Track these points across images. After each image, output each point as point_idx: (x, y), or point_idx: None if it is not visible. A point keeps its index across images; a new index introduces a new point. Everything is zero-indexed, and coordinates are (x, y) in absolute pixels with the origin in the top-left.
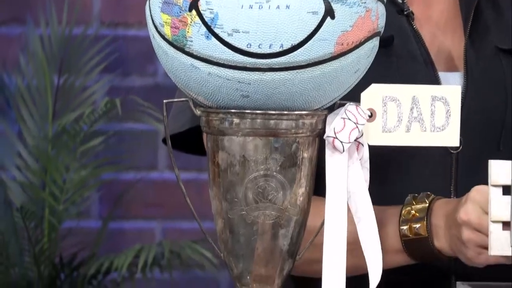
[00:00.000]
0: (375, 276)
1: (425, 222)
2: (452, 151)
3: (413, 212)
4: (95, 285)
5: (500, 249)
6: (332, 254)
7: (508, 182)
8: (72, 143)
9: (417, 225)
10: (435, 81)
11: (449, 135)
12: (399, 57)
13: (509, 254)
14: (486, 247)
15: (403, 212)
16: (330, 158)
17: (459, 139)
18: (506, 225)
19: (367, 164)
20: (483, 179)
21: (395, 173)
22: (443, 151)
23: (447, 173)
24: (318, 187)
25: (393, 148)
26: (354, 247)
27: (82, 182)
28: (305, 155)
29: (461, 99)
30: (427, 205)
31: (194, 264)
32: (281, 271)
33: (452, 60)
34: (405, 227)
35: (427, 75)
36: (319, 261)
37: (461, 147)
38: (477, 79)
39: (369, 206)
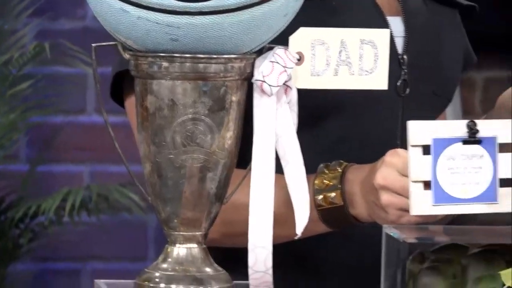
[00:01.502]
0: (302, 220)
1: (339, 190)
2: (400, 95)
3: (326, 181)
4: (22, 229)
5: (421, 209)
6: (259, 197)
7: (427, 142)
8: (1, 87)
9: (332, 194)
10: (385, 25)
11: (377, 78)
12: (352, 2)
13: (430, 213)
14: (406, 210)
15: (316, 182)
16: (259, 102)
17: (387, 83)
18: (426, 185)
19: (295, 108)
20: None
21: (342, 117)
22: (392, 95)
23: (395, 116)
24: (246, 131)
25: (345, 91)
26: (278, 218)
27: (11, 125)
28: (234, 98)
29: (405, 44)
30: (340, 173)
31: (122, 207)
32: (208, 214)
33: (390, 5)
34: (319, 197)
35: (378, 19)
36: (246, 235)
37: (408, 90)
38: (414, 24)
39: (297, 149)
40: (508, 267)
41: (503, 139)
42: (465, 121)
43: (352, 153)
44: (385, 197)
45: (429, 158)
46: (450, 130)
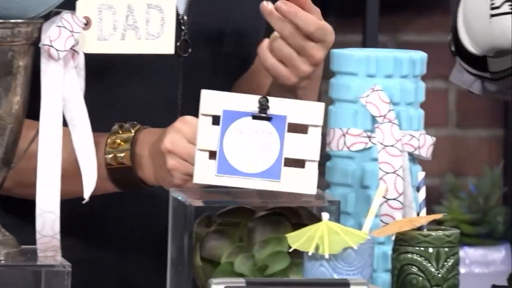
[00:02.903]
0: (88, 185)
1: (129, 151)
2: (181, 55)
3: (118, 141)
4: None
5: (204, 178)
6: (46, 164)
7: (217, 113)
8: None
9: (121, 155)
10: None
11: (163, 43)
12: None
13: (212, 183)
14: (191, 175)
15: (108, 141)
16: (46, 67)
17: (173, 47)
18: (212, 154)
19: (82, 72)
20: (209, 84)
21: (125, 78)
22: (172, 55)
23: (175, 77)
24: (33, 96)
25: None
26: (70, 174)
27: None
28: (21, 63)
29: (187, 4)
30: (132, 134)
31: None
32: None
33: None
34: (109, 156)
35: None
36: (34, 185)
37: (190, 51)
38: None
39: (84, 114)
40: (294, 230)
41: (293, 119)
42: (258, 97)
43: (134, 113)
44: (171, 162)
45: (217, 128)
46: (242, 104)
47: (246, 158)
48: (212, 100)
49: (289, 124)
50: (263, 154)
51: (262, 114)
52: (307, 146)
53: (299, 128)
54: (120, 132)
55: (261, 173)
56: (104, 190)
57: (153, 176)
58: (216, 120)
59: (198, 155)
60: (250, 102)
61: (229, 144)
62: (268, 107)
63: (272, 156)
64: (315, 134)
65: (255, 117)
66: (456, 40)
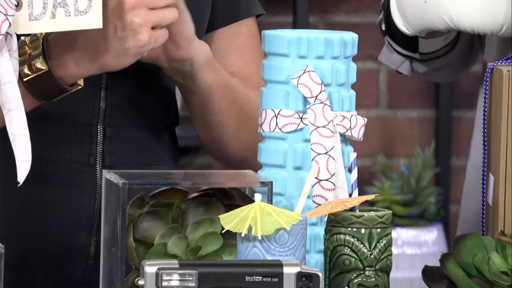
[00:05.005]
0: (23, 167)
1: (42, 56)
2: None
3: (29, 51)
4: None
5: None
6: None
7: None
8: None
9: (36, 61)
10: None
11: (91, 18)
12: None
13: None
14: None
15: (19, 54)
16: None
17: (101, 21)
18: None
19: (15, 54)
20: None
21: None
22: None
23: None
24: None
25: None
26: None
27: None
28: None
29: None
30: (41, 41)
31: None
32: None
33: None
34: (25, 68)
35: None
36: None
37: None
38: None
39: (18, 96)
40: (227, 211)
41: None
42: None
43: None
44: (137, 18)
45: None
46: None
47: None
48: None
49: None
50: None
51: None
52: None
53: None
54: (28, 43)
55: None
56: (26, 107)
57: (81, 68)
58: None
59: None
60: None
61: None
62: None
63: None
64: None
65: None
66: (388, 19)
